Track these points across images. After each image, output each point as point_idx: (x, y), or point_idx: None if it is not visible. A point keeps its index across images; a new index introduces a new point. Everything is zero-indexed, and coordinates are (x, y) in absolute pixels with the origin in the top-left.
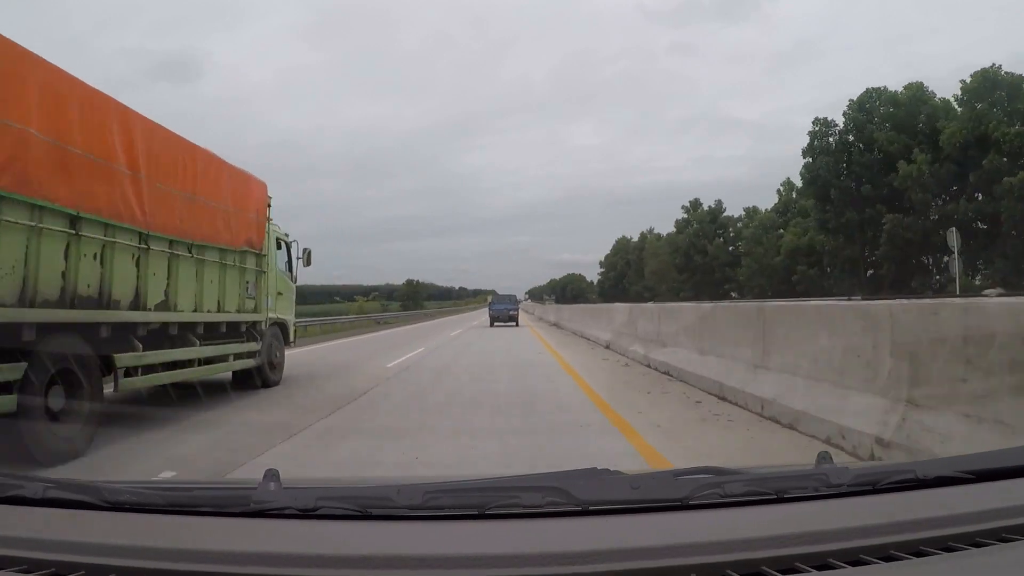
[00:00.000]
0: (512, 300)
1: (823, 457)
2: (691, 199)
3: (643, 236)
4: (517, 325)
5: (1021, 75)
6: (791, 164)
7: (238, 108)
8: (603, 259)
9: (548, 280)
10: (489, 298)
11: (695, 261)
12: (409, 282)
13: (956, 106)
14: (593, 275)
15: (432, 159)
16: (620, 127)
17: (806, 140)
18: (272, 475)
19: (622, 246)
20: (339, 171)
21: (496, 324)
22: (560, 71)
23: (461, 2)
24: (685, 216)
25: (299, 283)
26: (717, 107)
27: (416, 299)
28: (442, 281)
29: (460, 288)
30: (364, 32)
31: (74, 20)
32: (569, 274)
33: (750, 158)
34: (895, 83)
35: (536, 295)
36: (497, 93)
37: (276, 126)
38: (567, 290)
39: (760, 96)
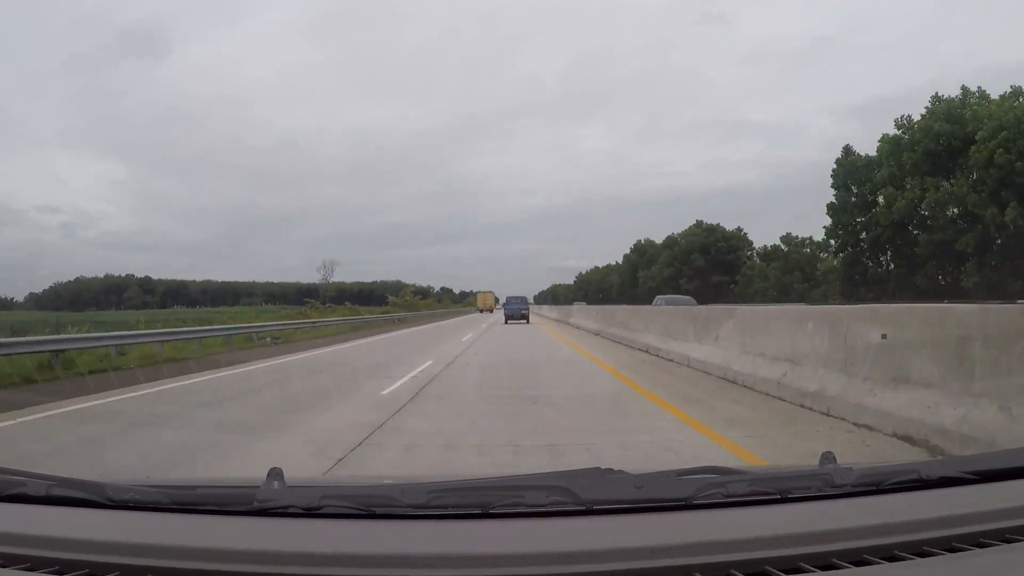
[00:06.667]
0: (523, 301)
1: (827, 457)
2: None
3: None
4: (528, 322)
5: None
6: (804, 168)
7: (236, 108)
8: None
9: (551, 284)
10: (478, 300)
11: None
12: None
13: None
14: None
15: (438, 163)
16: (630, 130)
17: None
18: (276, 474)
19: None
20: (342, 175)
21: (510, 321)
22: (571, 70)
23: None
24: None
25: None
26: (732, 108)
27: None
28: (435, 283)
29: (442, 288)
30: (367, 31)
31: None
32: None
33: (763, 162)
34: (905, 86)
35: (556, 299)
36: (505, 95)
37: (276, 127)
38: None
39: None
